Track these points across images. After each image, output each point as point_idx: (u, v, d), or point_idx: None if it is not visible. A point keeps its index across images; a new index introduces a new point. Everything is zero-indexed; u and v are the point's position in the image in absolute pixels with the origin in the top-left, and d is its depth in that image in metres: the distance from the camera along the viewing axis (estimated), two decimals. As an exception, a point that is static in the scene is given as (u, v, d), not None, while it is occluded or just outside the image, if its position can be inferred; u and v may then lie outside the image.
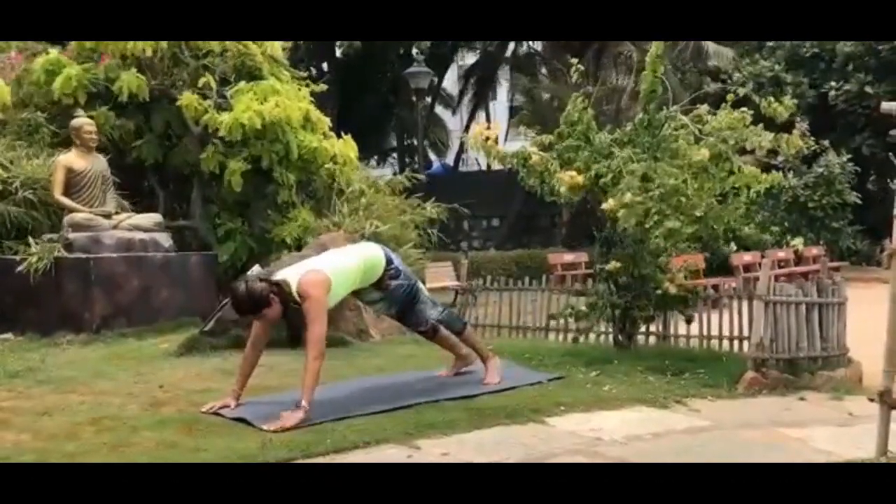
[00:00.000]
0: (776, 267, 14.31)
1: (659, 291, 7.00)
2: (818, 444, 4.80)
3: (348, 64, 24.80)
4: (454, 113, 30.22)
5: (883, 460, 4.08)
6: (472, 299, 8.88)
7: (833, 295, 6.92)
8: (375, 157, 27.62)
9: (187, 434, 4.66)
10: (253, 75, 10.25)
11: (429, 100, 25.46)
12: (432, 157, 30.75)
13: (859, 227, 20.01)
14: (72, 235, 8.43)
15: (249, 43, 10.15)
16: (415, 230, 10.40)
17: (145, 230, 8.94)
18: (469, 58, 28.78)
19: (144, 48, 9.55)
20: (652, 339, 7.62)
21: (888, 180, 15.39)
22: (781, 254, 16.57)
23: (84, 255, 8.29)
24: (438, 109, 29.69)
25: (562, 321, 7.97)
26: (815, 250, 17.61)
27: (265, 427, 4.71)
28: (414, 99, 21.07)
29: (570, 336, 7.89)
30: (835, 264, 15.07)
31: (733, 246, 15.80)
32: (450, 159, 30.91)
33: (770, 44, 21.53)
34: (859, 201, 19.77)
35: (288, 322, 6.19)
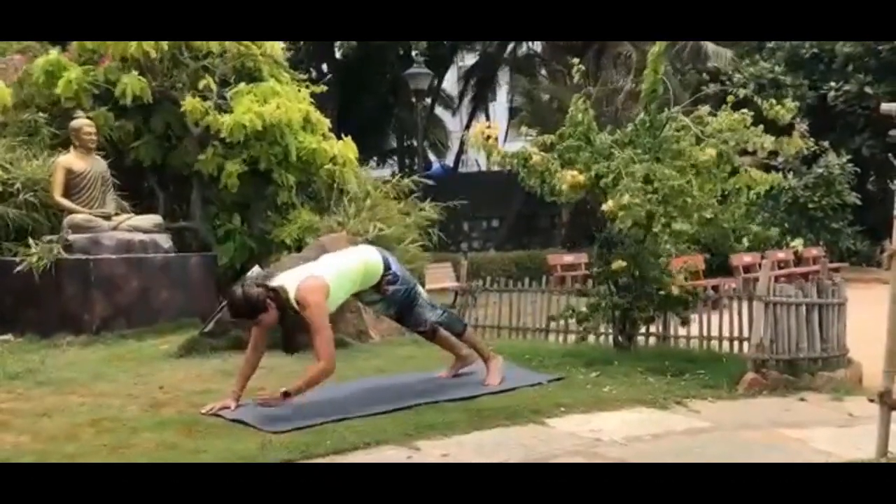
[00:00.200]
0: (776, 268, 14.30)
1: (662, 293, 7.00)
2: (818, 445, 4.81)
3: (348, 65, 24.76)
4: (454, 114, 30.16)
5: (883, 461, 4.08)
6: (471, 300, 8.87)
7: (833, 296, 6.92)
8: (375, 158, 27.55)
9: (187, 435, 4.67)
10: (253, 77, 10.26)
11: (428, 101, 25.41)
12: (432, 157, 30.71)
13: (859, 227, 19.98)
14: (71, 237, 8.44)
15: (249, 44, 10.16)
16: (416, 230, 10.40)
17: (145, 231, 8.95)
18: (469, 59, 28.72)
19: (146, 50, 9.53)
20: (652, 340, 7.62)
21: (888, 181, 15.42)
22: (781, 255, 16.54)
23: (84, 257, 8.30)
24: (438, 110, 29.64)
25: (562, 322, 7.97)
26: (814, 251, 17.60)
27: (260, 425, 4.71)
28: (413, 100, 21.03)
29: (570, 337, 7.89)
30: (835, 265, 15.10)
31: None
32: (449, 160, 30.87)
33: (770, 45, 21.51)
34: (859, 202, 19.74)
35: (283, 326, 6.18)
